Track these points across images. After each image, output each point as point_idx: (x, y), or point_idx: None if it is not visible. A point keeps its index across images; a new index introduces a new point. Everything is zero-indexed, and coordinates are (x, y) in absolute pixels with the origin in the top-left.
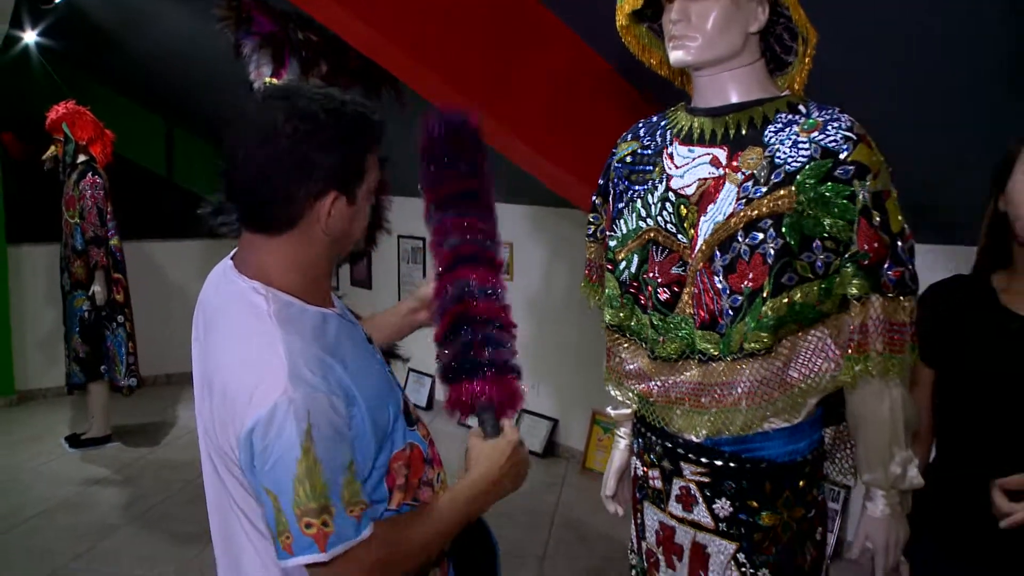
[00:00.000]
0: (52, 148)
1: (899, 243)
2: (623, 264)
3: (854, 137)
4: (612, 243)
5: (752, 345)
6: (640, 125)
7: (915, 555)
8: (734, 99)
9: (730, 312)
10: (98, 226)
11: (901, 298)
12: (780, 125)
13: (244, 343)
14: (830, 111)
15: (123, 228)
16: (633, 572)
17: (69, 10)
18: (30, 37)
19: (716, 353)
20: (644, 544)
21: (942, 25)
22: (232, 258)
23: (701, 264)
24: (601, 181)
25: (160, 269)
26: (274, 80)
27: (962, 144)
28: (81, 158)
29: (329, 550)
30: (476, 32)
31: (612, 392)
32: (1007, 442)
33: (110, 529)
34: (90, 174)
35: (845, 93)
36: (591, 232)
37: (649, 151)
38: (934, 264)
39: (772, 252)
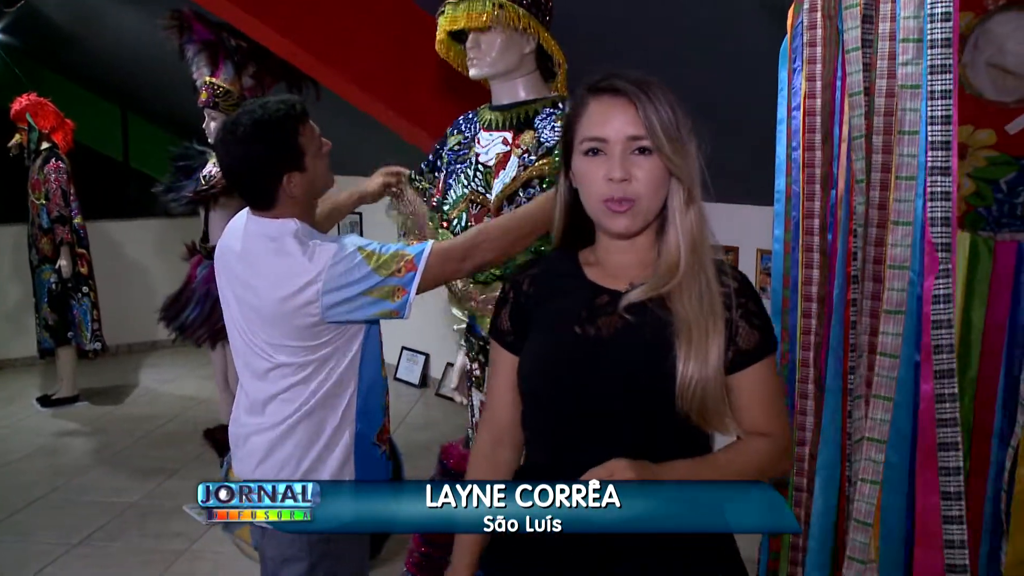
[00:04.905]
0: (17, 136)
1: None
2: (455, 220)
3: None
4: (446, 206)
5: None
6: (460, 120)
7: None
8: (516, 99)
9: None
10: (63, 206)
11: None
12: (544, 116)
13: (290, 245)
14: None
15: (84, 209)
16: (471, 444)
17: (29, 9)
18: None
19: (499, 273)
20: (473, 420)
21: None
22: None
23: (495, 213)
24: (431, 158)
25: (119, 247)
26: (213, 79)
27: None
28: (44, 145)
29: (418, 263)
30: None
31: (453, 311)
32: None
33: (84, 468)
34: (54, 159)
35: None
36: (416, 180)
37: (467, 139)
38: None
39: None
